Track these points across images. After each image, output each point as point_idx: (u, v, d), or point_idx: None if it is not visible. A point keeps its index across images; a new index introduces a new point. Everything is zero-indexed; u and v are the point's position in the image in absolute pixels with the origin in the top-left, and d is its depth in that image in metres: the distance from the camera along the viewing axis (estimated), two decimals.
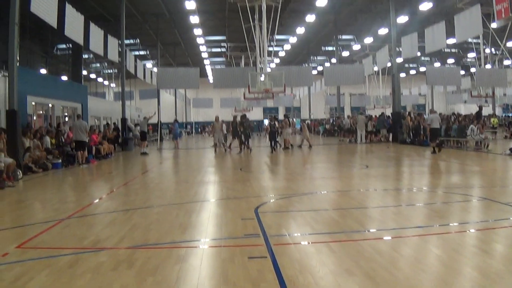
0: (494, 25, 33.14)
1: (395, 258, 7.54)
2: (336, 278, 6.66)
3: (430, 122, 29.97)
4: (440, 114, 39.84)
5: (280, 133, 37.55)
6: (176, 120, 46.41)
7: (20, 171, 20.09)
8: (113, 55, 37.47)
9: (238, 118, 36.42)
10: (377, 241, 8.74)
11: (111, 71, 74.33)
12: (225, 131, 38.11)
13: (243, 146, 34.92)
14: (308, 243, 8.72)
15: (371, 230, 9.64)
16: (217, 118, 36.28)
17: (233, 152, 34.37)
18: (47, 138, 25.87)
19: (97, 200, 14.45)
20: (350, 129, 45.87)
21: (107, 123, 44.49)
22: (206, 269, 7.28)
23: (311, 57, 77.43)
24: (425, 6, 41.51)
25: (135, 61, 48.00)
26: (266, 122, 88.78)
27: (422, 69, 77.47)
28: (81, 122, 27.39)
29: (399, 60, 45.68)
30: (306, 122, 76.78)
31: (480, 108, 38.68)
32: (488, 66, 44.81)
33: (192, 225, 10.38)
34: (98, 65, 72.95)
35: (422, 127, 37.57)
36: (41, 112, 34.13)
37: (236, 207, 12.37)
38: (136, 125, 47.70)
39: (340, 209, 11.95)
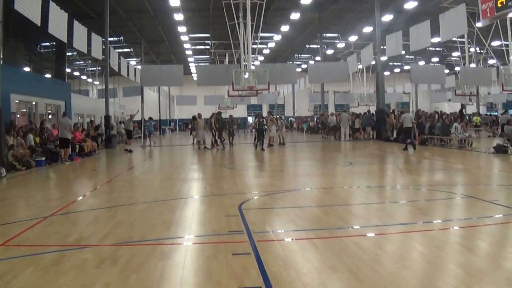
0: (479, 24, 33.22)
1: (378, 255, 7.59)
2: (320, 274, 6.68)
3: (403, 121, 30.34)
4: (422, 111, 39.97)
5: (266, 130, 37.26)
6: (150, 118, 46.22)
7: (4, 169, 20.00)
8: (97, 52, 37.38)
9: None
10: (361, 238, 8.75)
11: (95, 68, 74.05)
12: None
13: (225, 142, 34.92)
14: (292, 239, 8.78)
15: (355, 227, 9.68)
16: (199, 116, 36.13)
17: (214, 149, 34.24)
18: (30, 136, 25.78)
19: (81, 198, 14.43)
20: (336, 127, 45.76)
21: (91, 121, 44.27)
22: (190, 265, 7.30)
23: (296, 55, 77.35)
24: (410, 5, 41.53)
25: (119, 58, 47.79)
26: (250, 119, 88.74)
27: (407, 67, 77.68)
28: (66, 120, 27.33)
29: (384, 58, 45.84)
30: (290, 119, 77.13)
31: (462, 106, 38.84)
32: (473, 65, 44.96)
33: (176, 222, 10.40)
34: (81, 62, 72.62)
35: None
36: (24, 110, 33.98)
37: (220, 204, 12.39)
38: (120, 122, 47.64)
39: (324, 206, 12.00)
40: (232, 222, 10.08)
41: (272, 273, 6.71)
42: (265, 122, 34.77)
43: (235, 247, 8.22)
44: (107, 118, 41.24)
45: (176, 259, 7.64)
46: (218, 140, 34.74)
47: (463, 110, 37.64)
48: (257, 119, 36.19)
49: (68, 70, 59.55)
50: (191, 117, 37.25)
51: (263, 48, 66.18)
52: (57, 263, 7.45)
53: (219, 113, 36.52)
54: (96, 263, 7.40)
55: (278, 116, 56.40)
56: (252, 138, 41.59)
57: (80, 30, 32.08)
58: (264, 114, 65.21)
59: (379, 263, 7.12)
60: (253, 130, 42.50)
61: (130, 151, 33.84)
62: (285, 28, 52.25)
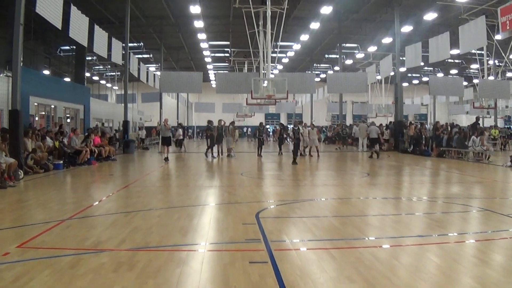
0: (498, 36, 33.13)
1: (395, 266, 7.60)
2: (337, 284, 6.70)
3: (369, 133, 31.77)
4: (438, 123, 39.71)
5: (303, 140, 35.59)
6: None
7: (22, 171, 20.11)
8: (117, 57, 37.55)
9: (226, 123, 35.88)
10: (377, 249, 8.77)
11: (114, 73, 74.34)
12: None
13: (211, 150, 34.73)
14: (309, 249, 8.77)
15: (371, 238, 9.73)
16: (220, 122, 35.80)
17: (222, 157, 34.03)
18: (48, 139, 25.91)
19: (98, 202, 14.47)
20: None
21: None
22: (207, 272, 7.34)
23: (314, 65, 77.24)
24: (429, 16, 41.47)
25: (138, 64, 47.99)
26: (268, 128, 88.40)
27: (425, 79, 77.42)
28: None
29: (403, 69, 45.74)
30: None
31: (477, 119, 38.75)
32: (491, 78, 44.83)
33: (193, 229, 10.43)
34: (101, 67, 72.90)
35: (423, 136, 37.70)
36: (43, 112, 34.17)
37: (237, 212, 12.46)
38: (140, 128, 47.91)
39: (340, 216, 11.99)
40: (249, 230, 10.12)
41: (289, 282, 6.74)
42: (301, 131, 33.52)
43: (252, 255, 8.24)
44: (125, 123, 41.33)
45: (193, 265, 7.67)
46: (211, 148, 34.73)
47: (477, 124, 37.44)
48: (291, 127, 34.43)
49: (87, 74, 59.91)
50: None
51: (282, 57, 66.22)
52: (74, 266, 7.51)
53: (210, 121, 35.73)
54: (113, 267, 7.47)
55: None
56: (275, 147, 41.03)
57: (100, 35, 32.24)
58: (283, 123, 64.83)
59: (396, 274, 7.13)
60: (278, 138, 40.91)
61: (167, 158, 32.16)
62: (304, 37, 52.27)
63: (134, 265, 7.54)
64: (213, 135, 34.33)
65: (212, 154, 34.59)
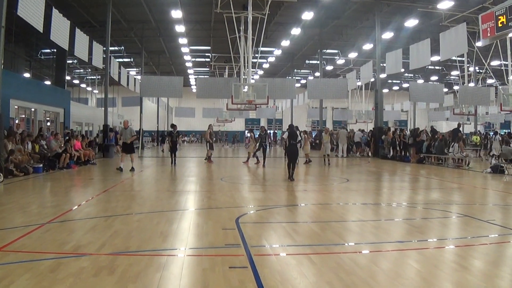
0: (479, 44, 33.28)
1: (374, 271, 7.62)
2: None
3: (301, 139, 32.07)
4: (417, 129, 39.78)
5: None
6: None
7: (1, 174, 20.02)
8: (98, 61, 37.45)
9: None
10: (357, 254, 8.84)
11: (95, 77, 74.12)
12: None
13: (171, 157, 33.69)
14: (289, 254, 8.78)
15: (351, 244, 9.73)
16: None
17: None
18: (29, 142, 25.78)
19: (78, 206, 14.41)
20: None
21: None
22: (186, 277, 7.34)
23: (295, 70, 77.17)
24: (410, 23, 41.65)
25: (119, 68, 47.92)
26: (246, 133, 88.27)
27: (405, 85, 77.72)
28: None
29: (383, 75, 45.85)
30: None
31: (458, 125, 38.88)
32: (472, 85, 45.09)
33: (173, 234, 10.42)
34: (81, 70, 72.55)
35: (397, 142, 37.81)
36: (23, 115, 34.00)
37: (217, 217, 12.42)
38: (115, 132, 47.56)
39: (320, 222, 12.01)
40: (229, 235, 10.13)
41: (269, 287, 6.75)
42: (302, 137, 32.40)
43: (232, 260, 8.25)
44: (105, 127, 41.17)
45: (173, 270, 7.67)
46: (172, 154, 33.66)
47: (457, 129, 37.47)
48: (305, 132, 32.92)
49: (68, 77, 59.61)
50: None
51: (263, 62, 66.33)
52: (54, 270, 7.48)
53: (172, 125, 34.63)
54: (93, 271, 7.44)
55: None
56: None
57: (81, 38, 32.16)
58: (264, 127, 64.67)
59: (375, 280, 7.17)
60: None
61: (131, 169, 27.58)
62: (285, 43, 52.25)
63: (114, 270, 7.52)
64: (175, 141, 33.59)
65: (173, 162, 33.14)
